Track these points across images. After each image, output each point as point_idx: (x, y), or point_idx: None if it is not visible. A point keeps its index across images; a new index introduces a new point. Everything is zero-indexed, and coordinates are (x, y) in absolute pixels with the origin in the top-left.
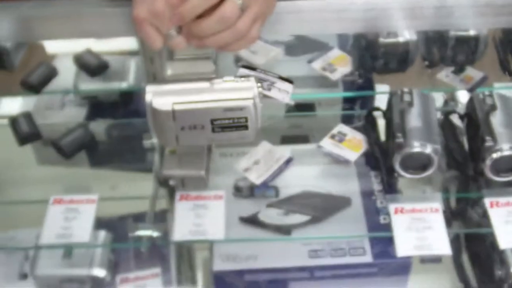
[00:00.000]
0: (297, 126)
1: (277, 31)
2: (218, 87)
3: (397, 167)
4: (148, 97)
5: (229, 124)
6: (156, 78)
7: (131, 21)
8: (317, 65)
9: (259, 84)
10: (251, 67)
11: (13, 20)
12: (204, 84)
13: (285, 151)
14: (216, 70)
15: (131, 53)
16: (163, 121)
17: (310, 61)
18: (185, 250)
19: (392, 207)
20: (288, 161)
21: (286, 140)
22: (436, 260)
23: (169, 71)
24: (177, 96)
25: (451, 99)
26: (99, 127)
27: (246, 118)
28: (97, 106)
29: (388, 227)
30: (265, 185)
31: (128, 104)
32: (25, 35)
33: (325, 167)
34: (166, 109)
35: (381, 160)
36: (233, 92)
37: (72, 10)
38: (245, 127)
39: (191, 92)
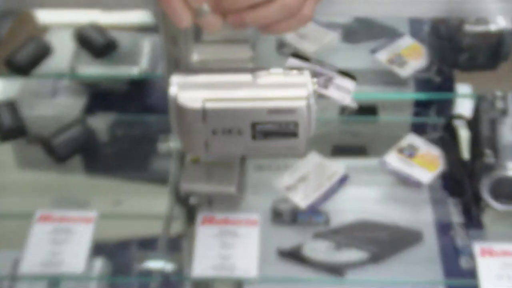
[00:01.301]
0: (353, 134)
1: (334, 11)
2: (263, 82)
3: (485, 194)
4: (173, 90)
5: (275, 130)
6: (178, 64)
7: None
8: (383, 56)
9: (314, 80)
10: (304, 57)
11: None
12: (245, 77)
13: (339, 166)
14: (254, 57)
15: (146, 29)
16: (190, 122)
17: (373, 51)
18: None
19: (477, 247)
20: (343, 180)
21: (339, 151)
22: None
23: (195, 56)
24: (210, 90)
25: None
26: (101, 123)
27: (296, 123)
28: (100, 96)
29: (471, 273)
30: (313, 209)
31: (139, 96)
32: (11, 1)
33: (389, 189)
34: (195, 106)
35: (464, 184)
36: (281, 89)
37: None
38: (295, 135)
39: (227, 86)
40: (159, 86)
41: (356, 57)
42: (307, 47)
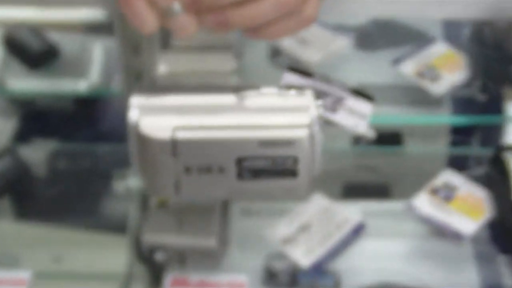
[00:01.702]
0: (371, 169)
1: (345, 11)
2: (251, 104)
3: None
4: (133, 114)
5: (267, 168)
6: (140, 78)
7: None
8: (409, 68)
9: (319, 102)
10: (305, 71)
11: None
12: (227, 98)
13: (352, 211)
14: (240, 70)
15: (97, 30)
16: (157, 156)
17: (396, 61)
18: None
19: None
20: (358, 229)
21: (353, 192)
22: None
23: (163, 68)
24: (181, 115)
25: None
26: (37, 153)
27: (295, 159)
28: (36, 119)
29: None
30: (318, 269)
31: (88, 119)
32: None
33: (419, 242)
34: (163, 137)
35: None
36: (276, 114)
37: None
38: (294, 174)
39: (205, 109)
40: (115, 106)
41: (373, 69)
42: (310, 57)
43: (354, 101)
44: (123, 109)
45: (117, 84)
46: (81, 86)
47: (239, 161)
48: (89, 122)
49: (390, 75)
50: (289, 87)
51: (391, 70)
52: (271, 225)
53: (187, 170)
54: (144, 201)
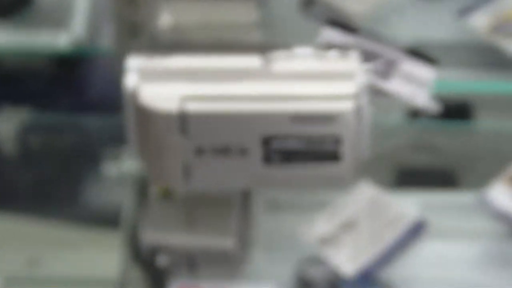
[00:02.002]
0: (433, 152)
1: None
2: (280, 69)
3: None
4: (131, 80)
5: (302, 149)
6: (137, 32)
7: None
8: (479, 20)
9: (367, 66)
10: (348, 25)
11: None
12: (250, 60)
13: (409, 205)
14: (264, 23)
15: None
16: (161, 134)
17: (464, 12)
18: None
19: None
20: (416, 228)
21: (410, 180)
22: None
23: (166, 19)
24: (192, 82)
25: None
26: (5, 125)
27: (338, 139)
28: (5, 81)
29: None
30: (365, 278)
31: (70, 82)
32: None
33: (494, 245)
34: (168, 109)
35: None
36: (312, 81)
37: None
38: (335, 157)
39: (222, 75)
40: (104, 68)
41: (435, 23)
42: (354, 7)
43: (411, 65)
44: (116, 72)
45: (106, 40)
46: (60, 41)
47: (266, 141)
48: (71, 88)
49: (456, 31)
50: (328, 46)
51: (456, 24)
52: (305, 221)
53: (199, 151)
54: (142, 189)
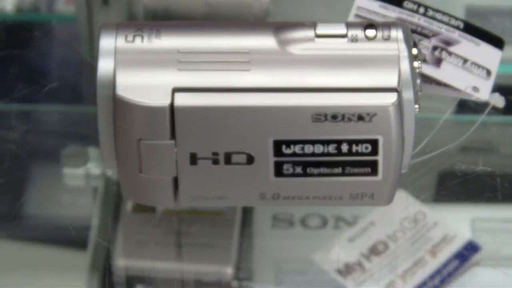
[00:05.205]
0: (489, 152)
1: None
2: (300, 51)
3: None
4: (105, 65)
5: (325, 158)
6: None
7: None
8: None
9: (416, 49)
10: None
11: None
12: (260, 39)
13: (460, 222)
14: None
15: None
16: (144, 135)
17: None
18: None
19: None
20: (468, 251)
21: (459, 189)
22: None
23: None
24: (185, 71)
25: None
26: None
27: (374, 143)
28: None
29: None
30: None
31: (18, 56)
32: None
33: None
34: (155, 104)
35: None
36: (342, 69)
37: None
38: (371, 166)
39: (223, 61)
40: (64, 40)
41: None
42: None
43: (472, 46)
44: (82, 50)
45: (72, 7)
46: (6, 2)
47: (278, 147)
48: (20, 63)
49: None
50: (364, 21)
51: None
52: (323, 244)
53: (192, 159)
54: (116, 200)
